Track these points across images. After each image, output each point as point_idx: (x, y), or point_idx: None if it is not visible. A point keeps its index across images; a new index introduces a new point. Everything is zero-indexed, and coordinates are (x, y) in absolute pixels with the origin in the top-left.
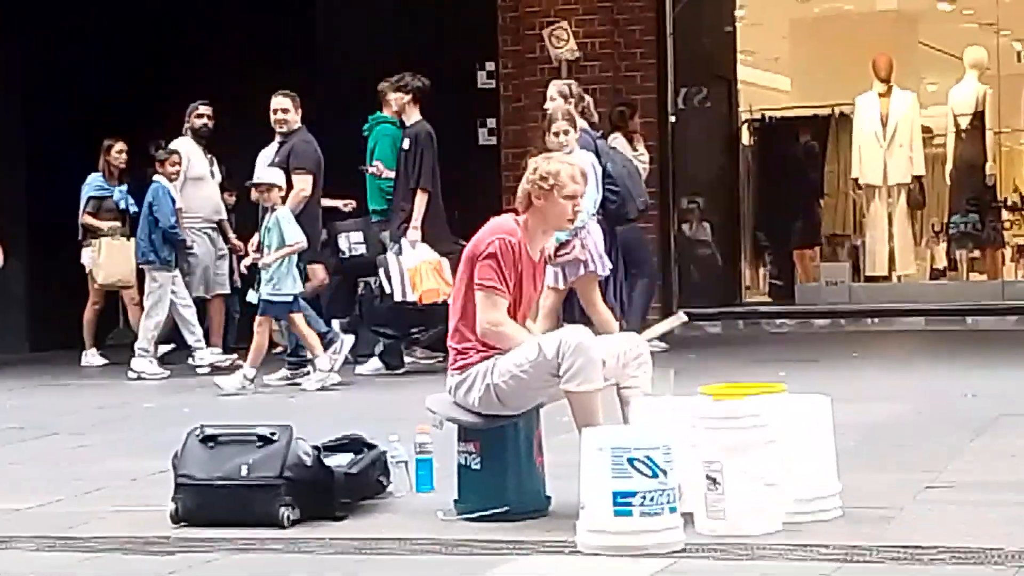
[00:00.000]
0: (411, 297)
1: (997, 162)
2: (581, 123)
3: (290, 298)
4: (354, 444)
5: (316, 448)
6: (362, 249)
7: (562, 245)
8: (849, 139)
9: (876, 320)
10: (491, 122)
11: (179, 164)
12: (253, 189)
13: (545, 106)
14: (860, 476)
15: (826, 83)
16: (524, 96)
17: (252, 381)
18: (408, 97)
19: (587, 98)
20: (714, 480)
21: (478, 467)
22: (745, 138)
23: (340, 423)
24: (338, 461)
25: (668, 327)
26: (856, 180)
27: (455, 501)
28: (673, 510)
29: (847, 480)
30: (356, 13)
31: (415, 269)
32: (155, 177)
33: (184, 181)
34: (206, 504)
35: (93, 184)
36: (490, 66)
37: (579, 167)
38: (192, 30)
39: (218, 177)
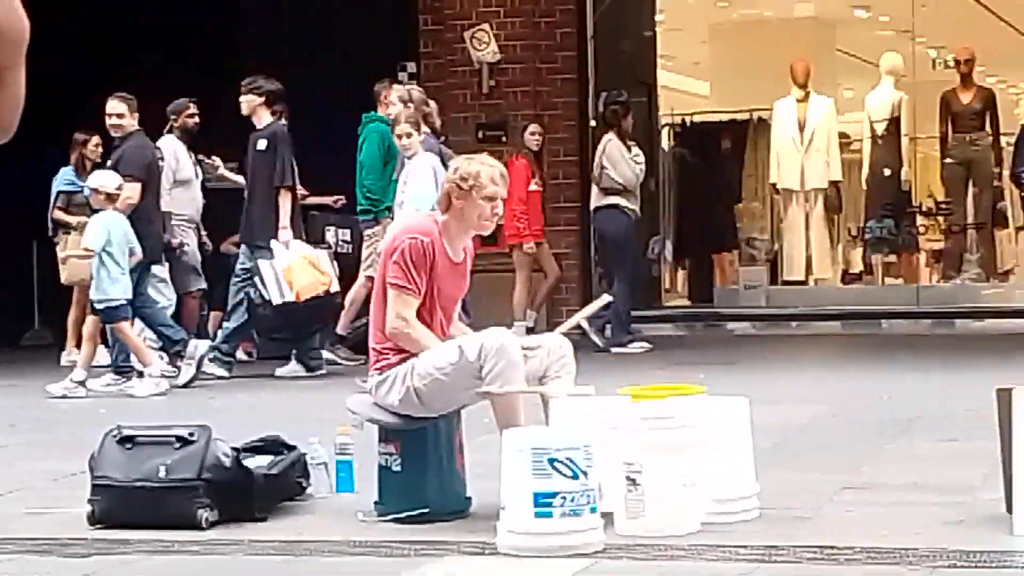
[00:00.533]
0: (289, 296)
1: (912, 167)
2: (425, 128)
3: (116, 304)
4: (273, 445)
5: (235, 449)
6: (348, 248)
7: None
8: (767, 144)
9: (793, 324)
10: None
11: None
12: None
13: (388, 110)
14: (778, 477)
15: (745, 88)
16: (445, 98)
17: (83, 384)
18: (260, 100)
19: (431, 104)
20: (633, 481)
21: (399, 468)
22: (665, 142)
23: (259, 424)
24: (257, 462)
25: (592, 311)
26: (774, 185)
27: (375, 502)
28: (594, 510)
29: (765, 481)
30: (278, 15)
31: (288, 268)
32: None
33: (172, 183)
34: (123, 506)
35: (63, 179)
36: (411, 67)
37: (499, 169)
38: (111, 26)
39: (200, 176)
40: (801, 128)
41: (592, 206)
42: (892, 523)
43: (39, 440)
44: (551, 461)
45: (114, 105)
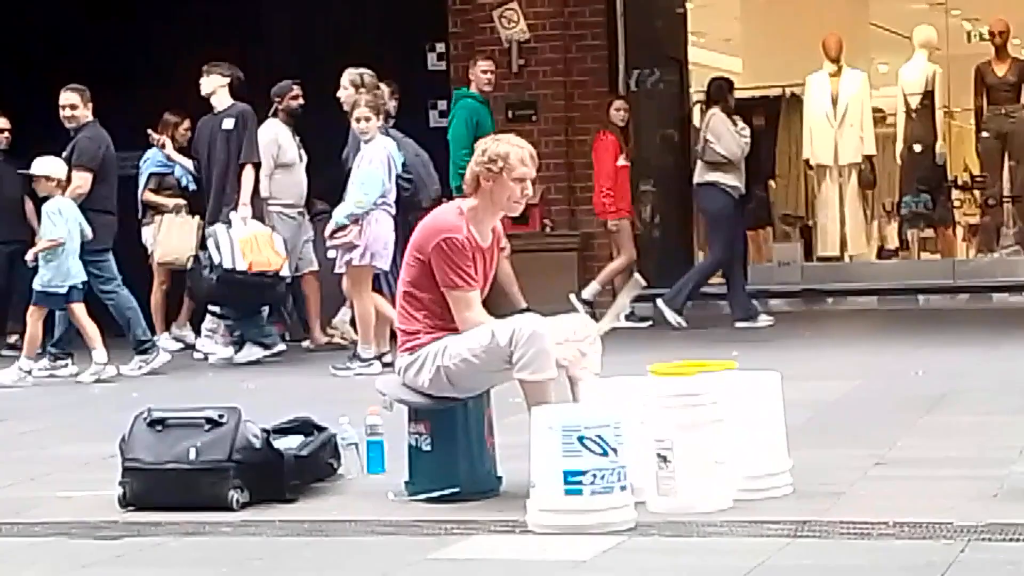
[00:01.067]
0: (240, 265)
1: (947, 141)
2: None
3: (64, 289)
4: (304, 426)
5: (265, 431)
6: None
7: (339, 228)
8: (800, 119)
9: (829, 300)
10: (442, 104)
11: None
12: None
13: (338, 94)
14: (811, 453)
15: (777, 64)
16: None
17: (30, 373)
18: (225, 81)
19: (382, 87)
20: (664, 458)
21: (428, 448)
22: (696, 119)
23: (290, 406)
24: (288, 444)
25: (627, 298)
26: (807, 160)
27: (406, 482)
28: (624, 488)
29: (798, 457)
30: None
31: (247, 239)
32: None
33: (273, 167)
34: (154, 488)
35: (154, 160)
36: (440, 48)
37: (528, 149)
38: (140, 13)
39: (305, 159)
40: (834, 103)
41: (695, 182)
42: (926, 498)
43: (70, 423)
44: (581, 439)
45: (67, 96)
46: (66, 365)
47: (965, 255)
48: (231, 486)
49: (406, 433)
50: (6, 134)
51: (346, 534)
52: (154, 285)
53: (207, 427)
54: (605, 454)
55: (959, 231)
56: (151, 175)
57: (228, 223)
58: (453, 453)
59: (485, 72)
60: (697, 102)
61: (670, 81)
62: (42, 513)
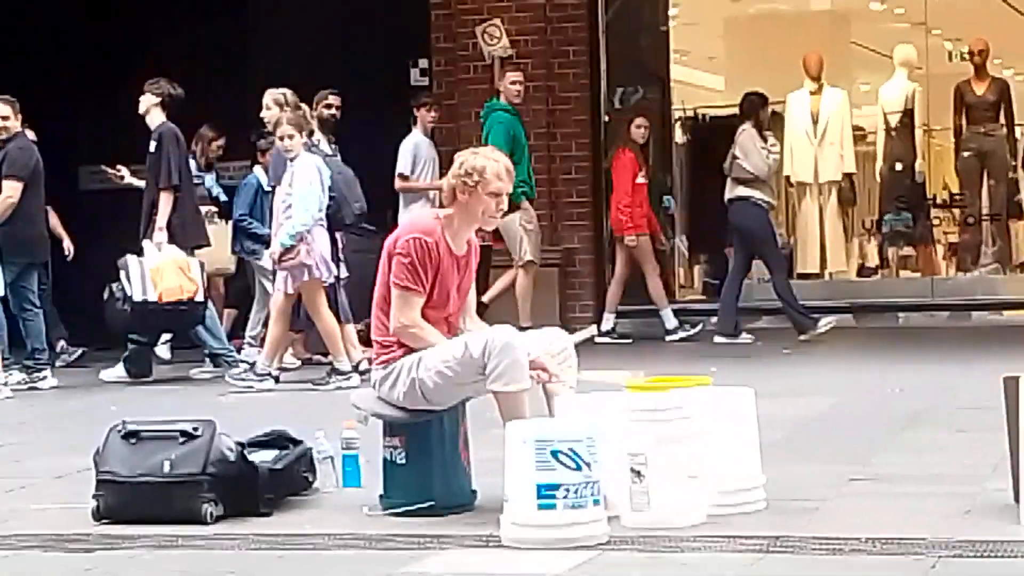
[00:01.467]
0: (151, 296)
1: (927, 160)
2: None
3: None
4: (279, 440)
5: (240, 444)
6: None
7: (287, 250)
8: (781, 137)
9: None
10: None
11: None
12: None
13: (261, 114)
14: (786, 468)
15: (760, 82)
16: (457, 94)
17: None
18: (156, 100)
19: (303, 107)
20: (638, 473)
21: (403, 462)
22: (679, 137)
23: (266, 419)
24: (263, 457)
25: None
26: (788, 178)
27: (381, 496)
28: (597, 502)
29: (774, 472)
30: (288, 12)
31: (157, 268)
32: (255, 168)
33: None
34: (128, 501)
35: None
36: (423, 63)
37: (505, 163)
38: (124, 33)
39: None
40: (815, 121)
41: (726, 198)
42: (899, 514)
43: (46, 437)
44: (554, 453)
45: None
46: (44, 378)
47: (945, 273)
48: (205, 499)
49: (381, 446)
50: None
51: (320, 548)
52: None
53: (181, 440)
54: (579, 468)
55: (939, 249)
56: None
57: (141, 251)
58: (428, 467)
59: (514, 83)
60: (679, 119)
61: (653, 99)
62: (16, 526)
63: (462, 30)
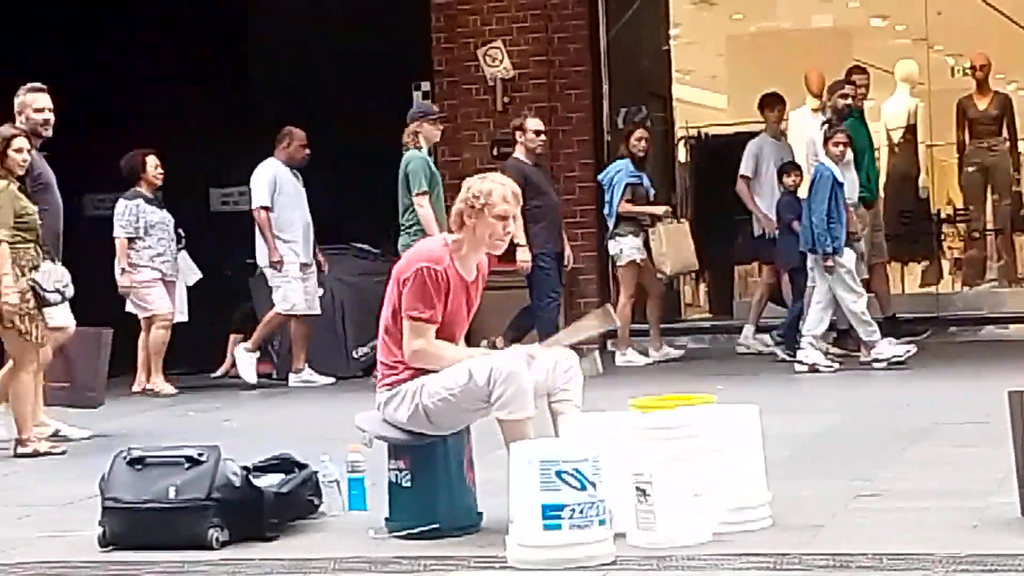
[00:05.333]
0: None
1: (930, 175)
2: None
3: None
4: (284, 464)
5: (245, 468)
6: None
7: None
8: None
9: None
10: None
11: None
12: None
13: None
14: (793, 485)
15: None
16: (460, 116)
17: None
18: None
19: None
20: (643, 491)
21: (408, 484)
22: (681, 156)
23: (272, 443)
24: (268, 481)
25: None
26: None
27: (386, 519)
28: (603, 523)
29: (780, 489)
30: (289, 35)
31: None
32: (821, 159)
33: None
34: (134, 527)
35: (627, 171)
36: (425, 86)
37: (511, 187)
38: (124, 58)
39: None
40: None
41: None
42: (906, 529)
43: (52, 464)
44: (559, 473)
45: None
46: None
47: (950, 288)
48: (211, 524)
49: (386, 469)
50: None
51: (326, 572)
52: (622, 298)
53: (187, 465)
54: (584, 488)
55: (944, 264)
56: (627, 186)
57: None
58: (433, 489)
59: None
60: (681, 138)
61: (656, 118)
62: (22, 554)
63: (464, 52)
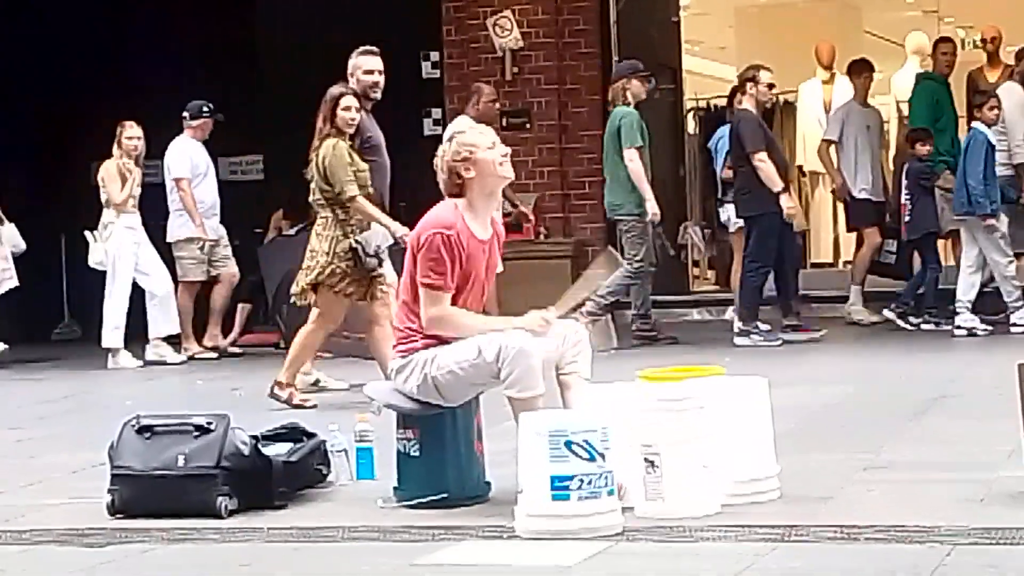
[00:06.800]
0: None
1: None
2: None
3: None
4: (293, 433)
5: (254, 437)
6: None
7: None
8: (794, 127)
9: (821, 306)
10: (436, 112)
11: None
12: None
13: None
14: (799, 458)
15: (772, 72)
16: (469, 86)
17: None
18: None
19: None
20: (652, 463)
21: (417, 454)
22: (690, 127)
23: (280, 413)
24: (277, 450)
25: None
26: (800, 167)
27: (395, 488)
28: (611, 493)
29: (786, 462)
30: (297, 4)
31: None
32: (973, 124)
33: None
34: (143, 495)
35: (727, 137)
36: (435, 56)
37: (469, 125)
38: (132, 36)
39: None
40: (827, 110)
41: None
42: (913, 502)
43: (62, 431)
44: (568, 444)
45: None
46: None
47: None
48: (219, 493)
49: (395, 438)
50: None
51: (334, 540)
52: (736, 264)
53: (196, 434)
54: (592, 459)
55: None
56: (728, 153)
57: None
58: (442, 459)
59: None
60: (691, 109)
61: (665, 89)
62: (32, 521)
63: (473, 22)
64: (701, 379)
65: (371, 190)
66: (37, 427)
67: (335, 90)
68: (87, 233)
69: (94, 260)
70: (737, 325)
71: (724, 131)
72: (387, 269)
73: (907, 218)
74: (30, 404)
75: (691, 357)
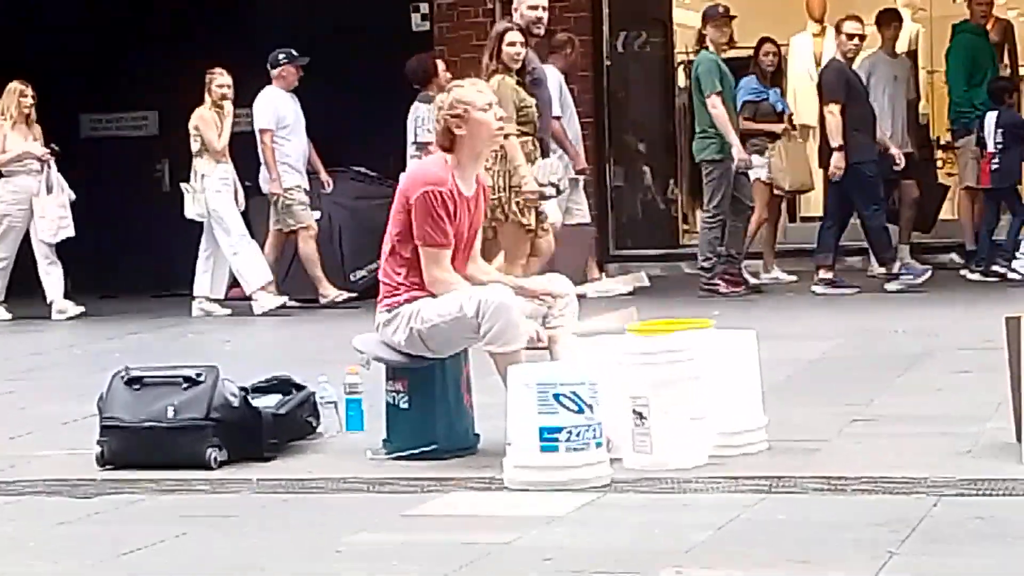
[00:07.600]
0: None
1: (930, 101)
2: None
3: None
4: (282, 385)
5: (243, 389)
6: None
7: None
8: (784, 80)
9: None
10: None
11: None
12: None
13: None
14: (788, 410)
15: (763, 25)
16: (458, 39)
17: None
18: None
19: None
20: (640, 415)
21: (406, 406)
22: (682, 81)
23: (269, 365)
24: (266, 402)
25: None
26: (791, 119)
27: (384, 440)
28: (599, 445)
29: (776, 414)
30: None
31: None
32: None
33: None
34: (132, 446)
35: (747, 88)
36: (424, 8)
37: (471, 82)
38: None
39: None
40: (818, 63)
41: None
42: (900, 454)
43: (50, 383)
44: (556, 396)
45: None
46: None
47: (947, 214)
48: (209, 444)
49: (384, 391)
50: None
51: (323, 492)
52: (755, 216)
53: (185, 386)
54: (581, 411)
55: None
56: (745, 103)
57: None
58: (431, 411)
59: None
60: (681, 63)
61: (655, 43)
62: (21, 472)
63: None
64: (690, 332)
65: (536, 124)
66: (22, 378)
67: (500, 26)
68: (182, 185)
69: (193, 212)
70: (879, 272)
71: (744, 82)
72: (551, 205)
73: (995, 166)
74: (17, 356)
75: (680, 310)
